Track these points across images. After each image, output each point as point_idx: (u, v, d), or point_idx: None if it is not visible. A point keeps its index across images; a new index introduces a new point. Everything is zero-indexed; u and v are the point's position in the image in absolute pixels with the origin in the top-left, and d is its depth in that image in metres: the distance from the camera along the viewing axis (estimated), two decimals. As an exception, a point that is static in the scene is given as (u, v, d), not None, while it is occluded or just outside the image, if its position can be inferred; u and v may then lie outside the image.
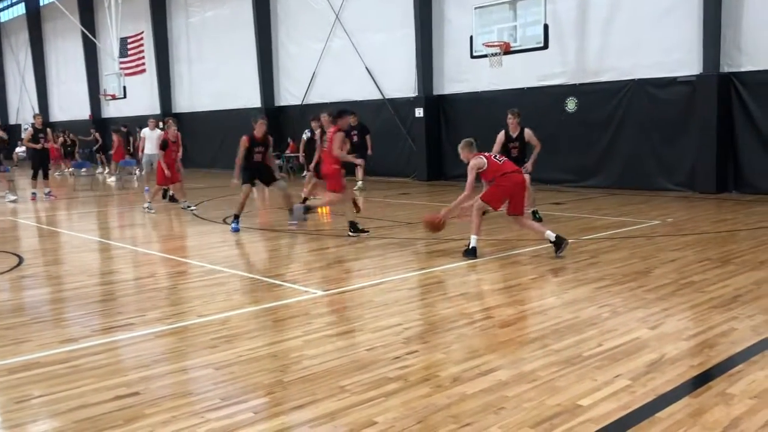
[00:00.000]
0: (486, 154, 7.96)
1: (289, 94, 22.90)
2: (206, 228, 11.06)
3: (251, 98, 23.44)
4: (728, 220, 10.20)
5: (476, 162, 7.76)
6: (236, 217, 10.26)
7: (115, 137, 22.07)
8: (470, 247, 7.73)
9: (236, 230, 10.20)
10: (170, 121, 14.38)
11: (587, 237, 8.91)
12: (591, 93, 15.10)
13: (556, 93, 15.56)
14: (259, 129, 10.49)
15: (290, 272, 7.44)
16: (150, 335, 5.16)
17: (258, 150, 10.41)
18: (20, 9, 37.51)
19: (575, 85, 15.37)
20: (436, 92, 18.34)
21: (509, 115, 10.17)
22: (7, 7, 39.04)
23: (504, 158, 8.07)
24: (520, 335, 4.89)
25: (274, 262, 8.45)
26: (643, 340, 4.67)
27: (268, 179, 10.62)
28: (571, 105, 15.46)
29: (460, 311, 5.54)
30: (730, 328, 4.88)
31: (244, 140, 10.36)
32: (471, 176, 7.75)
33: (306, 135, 14.95)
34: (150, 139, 16.77)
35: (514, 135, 10.10)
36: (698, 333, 4.83)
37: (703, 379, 3.96)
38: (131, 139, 23.77)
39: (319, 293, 6.30)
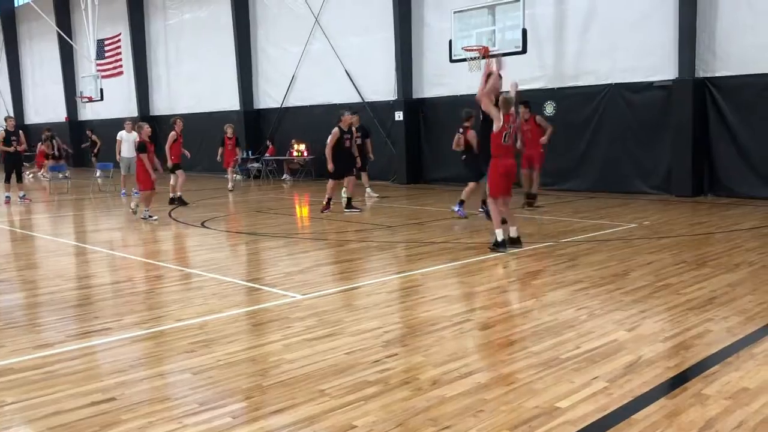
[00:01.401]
0: (507, 125, 8.10)
1: (268, 97, 22.82)
2: (184, 231, 10.98)
3: (230, 101, 23.34)
4: (704, 223, 10.33)
5: (497, 116, 8.05)
6: (461, 203, 11.47)
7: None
8: (498, 240, 8.18)
9: (463, 215, 11.33)
10: (178, 120, 14.53)
11: (566, 240, 8.98)
12: (569, 97, 15.23)
13: (535, 97, 15.62)
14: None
15: (269, 276, 7.40)
16: (127, 340, 5.10)
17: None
18: (-6, 10, 36.98)
19: (553, 89, 15.49)
20: (415, 96, 18.38)
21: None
22: (-19, 8, 38.46)
23: (510, 141, 8.23)
24: (499, 338, 4.91)
25: (253, 265, 8.41)
26: (621, 342, 4.71)
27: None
28: (549, 109, 15.57)
29: (439, 314, 5.55)
30: (705, 330, 4.94)
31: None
32: (487, 85, 8.55)
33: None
34: (127, 141, 16.61)
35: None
36: (674, 335, 4.88)
37: (679, 381, 4.00)
38: (55, 143, 23.44)
39: (298, 297, 6.27)
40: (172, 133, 14.26)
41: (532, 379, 4.03)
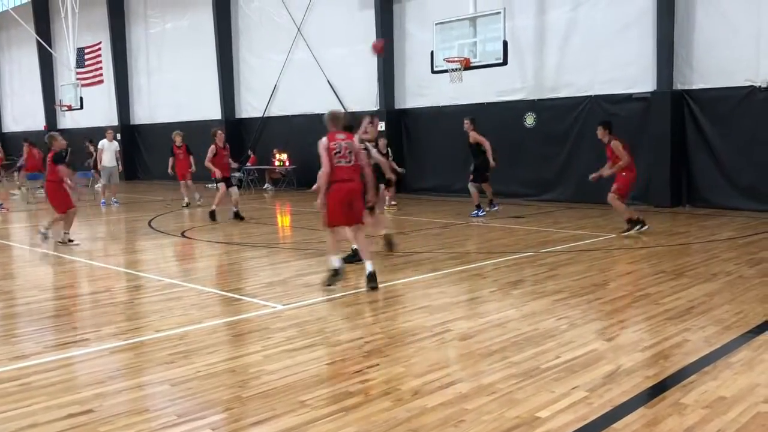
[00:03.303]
0: (333, 143, 6.97)
1: (250, 107, 22.77)
2: (163, 241, 10.89)
3: (212, 110, 23.24)
4: (682, 234, 10.45)
5: (321, 143, 7.00)
6: (478, 207, 12.75)
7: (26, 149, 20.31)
8: (332, 269, 6.99)
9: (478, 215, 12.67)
10: (219, 132, 13.28)
11: (546, 250, 9.03)
12: (549, 108, 15.36)
13: (516, 108, 15.79)
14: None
15: (249, 286, 7.36)
16: (105, 351, 5.04)
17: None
18: (-27, 17, 36.60)
19: (534, 100, 15.62)
20: (397, 106, 18.44)
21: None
22: (-41, 15, 38.03)
23: (344, 160, 6.99)
24: (480, 348, 4.92)
25: (234, 275, 8.35)
26: (600, 351, 4.74)
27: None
28: (529, 120, 15.70)
29: (420, 324, 5.55)
30: (683, 340, 4.99)
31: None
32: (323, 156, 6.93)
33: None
34: (108, 150, 16.49)
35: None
36: (653, 344, 4.92)
37: (657, 390, 4.03)
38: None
39: (279, 307, 6.25)
40: (212, 146, 13.08)
41: (513, 389, 4.04)
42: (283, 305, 6.30)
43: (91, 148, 22.45)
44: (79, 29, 24.23)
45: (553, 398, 3.89)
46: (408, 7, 17.93)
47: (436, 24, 13.45)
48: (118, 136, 23.28)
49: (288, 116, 21.10)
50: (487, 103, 16.24)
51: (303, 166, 20.42)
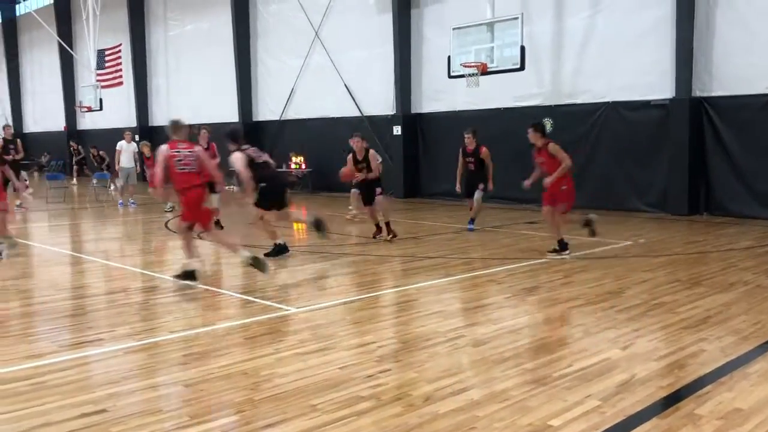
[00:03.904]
0: (175, 151, 7.15)
1: (267, 110, 22.89)
2: (179, 243, 10.93)
3: (229, 113, 23.38)
4: (699, 242, 10.34)
5: (160, 150, 7.20)
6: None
7: None
8: (188, 270, 7.22)
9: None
10: (203, 130, 12.59)
11: (561, 257, 8.97)
12: (566, 114, 15.28)
13: (532, 114, 15.68)
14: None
15: (264, 289, 7.38)
16: (119, 351, 5.08)
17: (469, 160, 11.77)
18: (-4, 19, 37.15)
19: (551, 106, 15.54)
20: (414, 110, 18.44)
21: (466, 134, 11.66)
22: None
23: (188, 167, 7.21)
24: (493, 354, 4.90)
25: (248, 278, 8.38)
26: (614, 360, 4.70)
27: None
28: (546, 126, 15.61)
29: (433, 329, 5.54)
30: (699, 350, 4.93)
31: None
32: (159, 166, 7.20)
33: None
34: (126, 151, 16.65)
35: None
36: (668, 354, 4.87)
37: (672, 400, 3.99)
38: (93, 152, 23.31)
39: (292, 310, 6.26)
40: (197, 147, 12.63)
41: (525, 397, 4.02)
42: (297, 308, 6.31)
43: (101, 153, 22.76)
44: (100, 31, 24.46)
45: (566, 406, 3.86)
46: (426, 11, 17.93)
47: (454, 29, 13.43)
48: (137, 137, 23.51)
49: (304, 119, 21.18)
50: (503, 108, 16.19)
51: (319, 169, 20.49)
